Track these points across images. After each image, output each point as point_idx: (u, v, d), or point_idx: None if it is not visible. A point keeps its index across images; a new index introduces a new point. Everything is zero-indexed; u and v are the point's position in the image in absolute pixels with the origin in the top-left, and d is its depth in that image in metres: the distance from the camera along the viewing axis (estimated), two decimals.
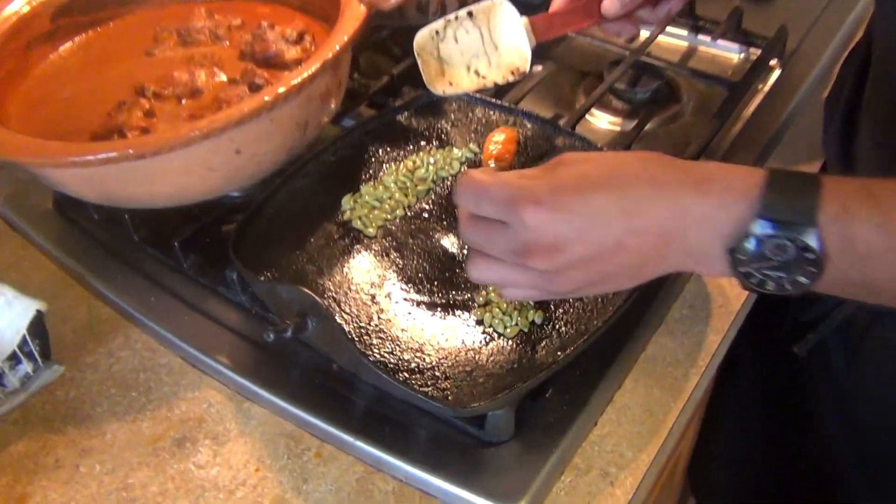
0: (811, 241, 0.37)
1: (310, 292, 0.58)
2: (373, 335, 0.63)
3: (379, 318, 0.64)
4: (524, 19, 0.66)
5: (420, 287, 0.65)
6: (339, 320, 0.63)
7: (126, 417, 0.66)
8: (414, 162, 0.78)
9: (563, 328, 0.63)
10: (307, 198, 0.73)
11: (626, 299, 0.62)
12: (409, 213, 0.74)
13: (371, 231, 0.72)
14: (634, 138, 0.82)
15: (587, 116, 0.88)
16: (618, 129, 0.89)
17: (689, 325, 0.65)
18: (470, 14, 0.66)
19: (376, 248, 0.71)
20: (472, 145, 0.79)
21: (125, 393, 0.68)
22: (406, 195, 0.75)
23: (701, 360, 0.66)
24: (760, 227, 0.39)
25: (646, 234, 0.42)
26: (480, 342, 0.63)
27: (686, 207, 0.40)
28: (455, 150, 0.79)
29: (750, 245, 0.40)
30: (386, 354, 0.61)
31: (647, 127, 0.86)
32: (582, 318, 0.63)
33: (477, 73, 0.67)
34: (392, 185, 0.75)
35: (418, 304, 0.66)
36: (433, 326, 0.64)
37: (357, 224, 0.73)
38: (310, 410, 0.63)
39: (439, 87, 0.68)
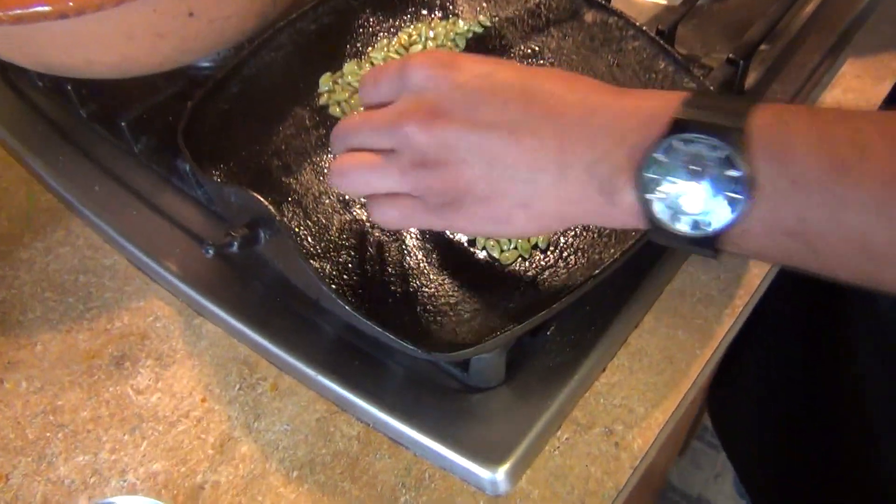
0: (736, 152, 0.31)
1: (260, 199, 0.49)
2: (341, 252, 0.53)
3: (350, 229, 0.55)
4: None
5: None
6: (299, 233, 0.54)
7: (60, 327, 0.58)
8: (410, 35, 0.66)
9: (571, 257, 0.53)
10: (277, 75, 0.63)
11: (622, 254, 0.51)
12: None
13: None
14: (684, 14, 0.68)
15: None
16: (664, 2, 0.77)
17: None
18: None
19: None
20: (481, 17, 0.68)
21: (61, 298, 0.60)
22: None
23: (738, 299, 0.57)
24: (677, 131, 0.33)
25: (544, 131, 0.37)
26: (470, 268, 0.53)
27: (595, 108, 0.37)
28: (461, 23, 0.67)
29: (660, 154, 0.34)
30: (354, 277, 0.51)
31: (700, 1, 0.72)
32: (595, 246, 0.53)
33: None
34: (381, 62, 0.64)
35: None
36: (414, 245, 0.55)
37: (335, 111, 0.63)
38: (269, 334, 0.55)
39: None
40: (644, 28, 0.63)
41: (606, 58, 0.63)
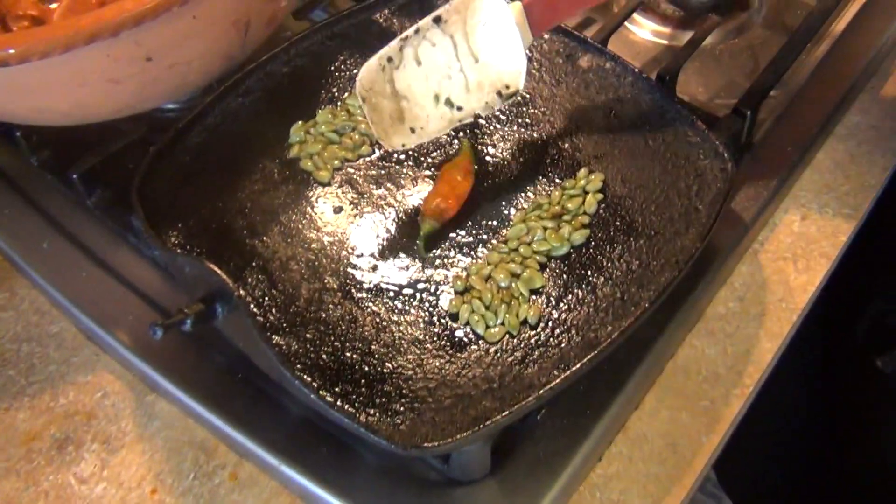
0: None
1: (216, 271, 0.44)
2: (308, 326, 0.49)
3: (320, 300, 0.51)
4: (516, 5, 0.50)
5: (380, 260, 0.54)
6: (263, 303, 0.50)
7: None
8: None
9: (564, 335, 0.49)
10: (245, 124, 0.59)
11: (657, 296, 0.47)
12: (377, 154, 0.60)
13: (324, 175, 0.58)
14: (688, 57, 0.64)
15: (626, 24, 0.71)
16: (665, 42, 0.73)
17: (735, 324, 0.55)
18: (437, 20, 0.51)
19: (328, 200, 0.57)
20: None
21: (1, 370, 0.55)
22: None
23: (748, 377, 0.53)
24: None
25: None
26: (452, 346, 0.50)
27: None
28: None
29: None
30: (322, 356, 0.48)
31: (707, 41, 0.68)
32: (591, 322, 0.48)
33: (449, 102, 0.53)
34: (358, 111, 0.60)
35: (376, 285, 0.53)
36: (391, 318, 0.51)
37: (307, 165, 0.59)
38: (228, 416, 0.51)
39: (397, 140, 0.54)
40: (644, 74, 0.59)
41: (603, 107, 0.59)
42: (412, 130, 0.54)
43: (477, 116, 0.56)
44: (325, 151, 0.59)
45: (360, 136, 0.60)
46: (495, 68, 0.52)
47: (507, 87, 0.53)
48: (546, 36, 0.63)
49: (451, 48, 0.52)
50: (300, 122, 0.60)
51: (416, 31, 0.52)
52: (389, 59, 0.53)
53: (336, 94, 0.63)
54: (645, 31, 0.74)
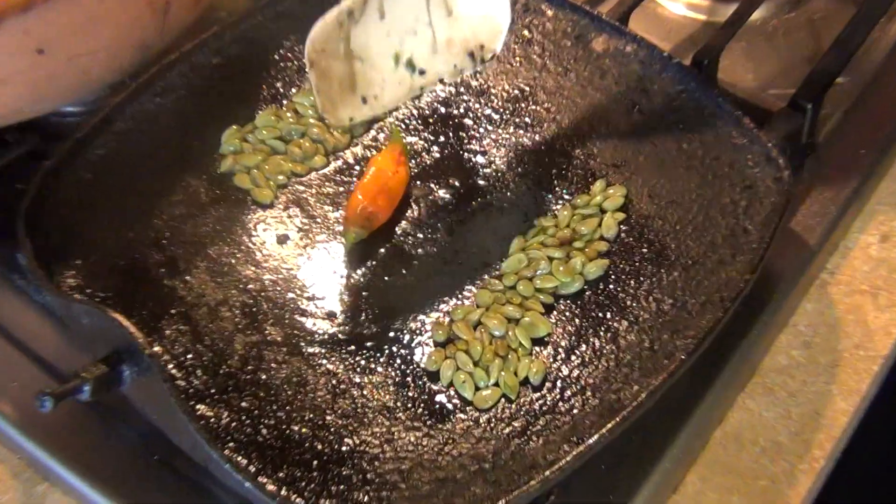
0: None
1: (122, 321, 0.45)
2: (245, 392, 0.50)
3: (260, 357, 0.51)
4: None
5: (338, 304, 0.54)
6: (185, 364, 0.50)
7: None
8: None
9: (577, 397, 0.49)
10: (163, 131, 0.60)
11: (697, 344, 0.47)
12: (333, 166, 0.61)
13: (265, 195, 0.59)
14: (731, 36, 0.65)
15: None
16: (702, 17, 0.74)
17: (801, 379, 0.55)
18: None
19: (271, 227, 0.58)
20: None
21: None
22: (329, 132, 0.62)
23: (818, 447, 0.52)
24: None
25: None
26: (431, 415, 0.49)
27: None
28: None
29: None
30: (262, 431, 0.47)
31: (755, 16, 0.68)
32: (611, 381, 0.49)
33: (411, 64, 0.55)
34: (309, 111, 0.62)
35: (332, 336, 0.53)
36: (351, 380, 0.51)
37: (243, 181, 0.59)
38: None
39: (344, 113, 0.56)
40: (676, 59, 0.59)
41: (624, 101, 0.60)
42: (364, 101, 0.56)
43: (440, 82, 0.57)
44: (266, 164, 0.59)
45: (312, 144, 0.60)
46: (470, 23, 0.54)
47: (482, 47, 0.54)
48: (549, 13, 0.64)
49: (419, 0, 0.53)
50: (234, 128, 0.61)
51: None
52: (350, 14, 0.54)
53: (281, 90, 0.63)
54: (677, 3, 0.75)
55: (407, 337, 0.52)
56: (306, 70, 0.55)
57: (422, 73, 0.55)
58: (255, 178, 0.59)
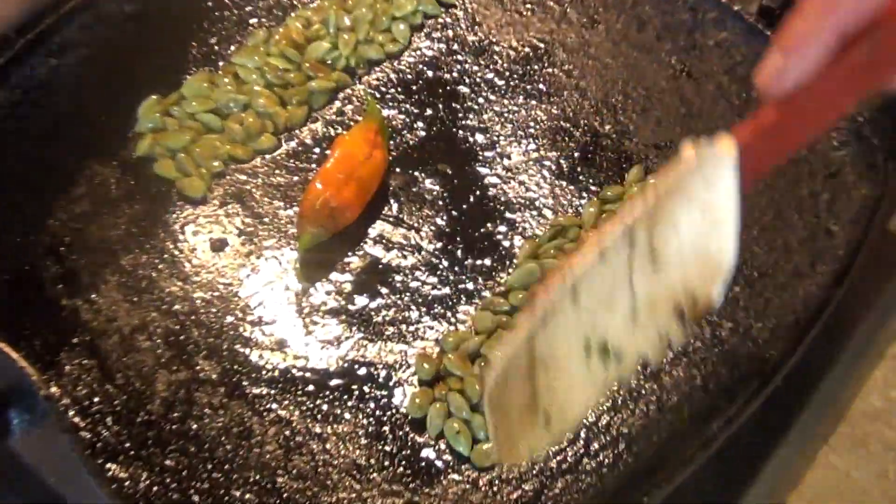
0: None
1: (10, 353, 0.47)
2: (169, 446, 0.50)
3: (190, 400, 0.52)
4: (730, 146, 0.44)
5: (291, 329, 0.55)
6: (90, 410, 0.50)
7: None
8: (307, 22, 0.65)
9: (608, 451, 0.50)
10: (61, 102, 0.61)
11: (763, 383, 0.48)
12: (284, 147, 0.62)
13: (195, 186, 0.60)
14: None
15: None
16: None
17: None
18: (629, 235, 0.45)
19: (204, 228, 0.59)
20: None
21: None
22: (282, 103, 0.63)
23: None
24: None
25: None
26: (415, 474, 0.50)
27: None
28: None
29: None
30: (193, 497, 0.49)
31: None
32: (653, 427, 0.50)
33: (604, 350, 0.46)
34: (254, 77, 0.63)
35: (284, 372, 0.53)
36: (310, 430, 0.52)
37: (166, 170, 0.60)
38: None
39: (526, 447, 0.47)
40: (737, 6, 0.61)
41: (668, 60, 0.62)
42: (547, 420, 0.48)
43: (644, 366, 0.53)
44: (196, 146, 0.61)
45: (258, 120, 0.61)
46: (682, 268, 0.46)
47: (696, 300, 0.46)
48: None
49: (624, 256, 0.46)
50: (154, 98, 0.62)
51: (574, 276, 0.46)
52: (543, 320, 0.47)
53: (216, 48, 0.65)
54: None
55: (383, 373, 0.53)
56: (486, 411, 0.47)
57: (618, 358, 0.48)
58: (183, 165, 0.60)
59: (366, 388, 0.53)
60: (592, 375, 0.46)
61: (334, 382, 0.54)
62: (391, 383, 0.53)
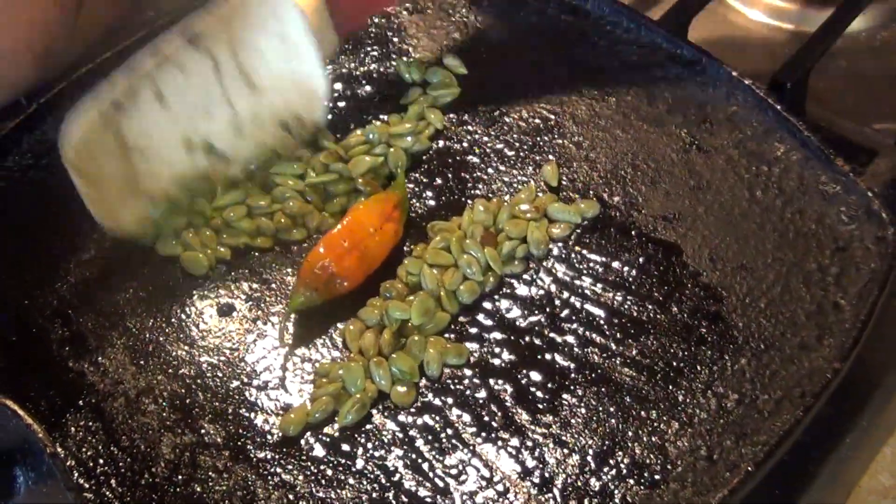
0: None
1: (18, 410, 0.48)
2: None
3: (194, 464, 0.53)
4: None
5: (297, 396, 0.56)
6: (95, 471, 0.52)
7: None
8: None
9: None
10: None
11: (768, 454, 0.49)
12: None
13: (199, 263, 0.62)
14: (824, 51, 0.68)
15: None
16: (787, 27, 0.78)
17: None
18: (193, 39, 0.58)
19: (211, 294, 0.61)
20: (450, 60, 0.70)
21: None
22: (320, 210, 0.64)
23: None
24: None
25: None
26: None
27: None
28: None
29: None
30: None
31: (855, 26, 0.72)
32: (657, 497, 0.51)
33: (210, 149, 0.61)
34: (290, 183, 0.64)
35: (288, 437, 0.54)
36: (314, 495, 0.52)
37: (173, 249, 0.62)
38: None
39: (129, 216, 0.60)
40: (748, 80, 0.63)
41: (678, 133, 0.63)
42: (151, 199, 0.60)
43: (249, 168, 0.61)
44: (216, 234, 0.62)
45: (288, 220, 0.63)
46: (281, 94, 0.59)
47: (299, 119, 0.59)
48: (584, 16, 0.67)
49: (210, 72, 0.58)
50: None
51: (156, 60, 0.58)
52: (116, 106, 0.58)
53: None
54: (754, 9, 0.79)
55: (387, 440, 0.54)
56: (70, 171, 0.57)
57: (221, 156, 0.60)
58: (188, 243, 0.61)
59: (370, 454, 0.54)
60: (196, 167, 0.61)
61: (339, 448, 0.54)
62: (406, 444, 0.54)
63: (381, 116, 0.68)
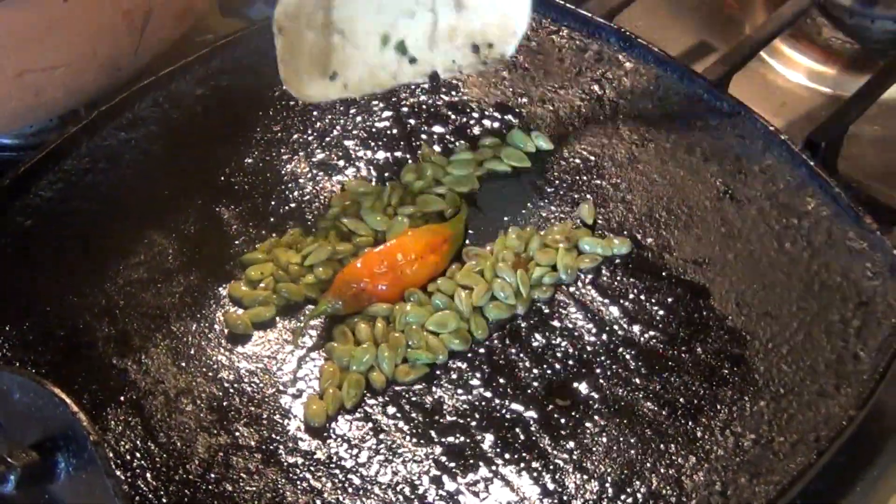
0: None
1: (64, 398, 0.49)
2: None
3: (227, 463, 0.55)
4: None
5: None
6: (133, 464, 0.54)
7: None
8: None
9: None
10: (125, 174, 0.65)
11: (780, 493, 0.51)
12: None
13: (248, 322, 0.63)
14: (860, 114, 0.70)
15: (765, 56, 0.79)
16: (824, 90, 0.80)
17: None
18: None
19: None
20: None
21: None
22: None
23: None
24: None
25: None
26: None
27: None
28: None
29: None
30: None
31: (890, 94, 0.74)
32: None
33: (402, 48, 0.62)
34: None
35: (318, 444, 0.56)
36: (343, 496, 0.54)
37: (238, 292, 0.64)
38: None
39: (310, 90, 0.62)
40: (785, 137, 0.65)
41: (713, 181, 0.65)
42: (333, 77, 0.61)
43: (434, 77, 0.62)
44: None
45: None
46: (483, 18, 0.60)
47: (491, 46, 0.60)
48: (628, 65, 0.70)
49: None
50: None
51: None
52: None
53: (279, 134, 0.68)
54: (794, 70, 0.81)
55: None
56: (274, 29, 0.60)
57: (412, 61, 0.61)
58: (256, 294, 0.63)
59: (396, 468, 0.55)
60: (385, 63, 0.62)
61: (367, 457, 0.56)
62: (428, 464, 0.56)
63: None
